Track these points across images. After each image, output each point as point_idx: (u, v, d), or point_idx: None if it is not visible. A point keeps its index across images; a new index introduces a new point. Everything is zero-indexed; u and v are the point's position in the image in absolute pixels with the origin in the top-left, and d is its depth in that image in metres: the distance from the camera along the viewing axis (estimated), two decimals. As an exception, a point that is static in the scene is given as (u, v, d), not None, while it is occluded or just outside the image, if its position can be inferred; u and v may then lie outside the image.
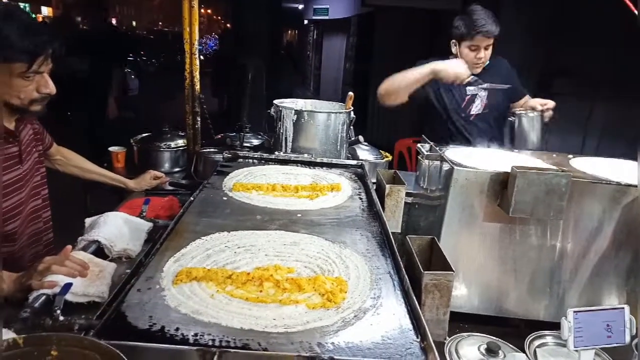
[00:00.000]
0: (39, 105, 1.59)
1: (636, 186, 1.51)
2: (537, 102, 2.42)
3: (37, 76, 1.53)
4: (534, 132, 2.31)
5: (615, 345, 1.30)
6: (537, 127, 2.32)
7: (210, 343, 0.85)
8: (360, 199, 1.69)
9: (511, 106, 2.65)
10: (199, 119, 2.62)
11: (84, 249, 1.51)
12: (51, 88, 1.57)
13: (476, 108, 2.60)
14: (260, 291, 1.03)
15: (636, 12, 1.61)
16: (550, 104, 2.40)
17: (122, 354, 0.65)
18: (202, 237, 1.28)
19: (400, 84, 2.39)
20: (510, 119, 2.37)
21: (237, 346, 0.85)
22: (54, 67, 1.59)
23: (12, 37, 1.43)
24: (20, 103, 1.55)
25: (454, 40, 2.50)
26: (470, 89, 2.57)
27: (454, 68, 2.29)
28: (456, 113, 2.60)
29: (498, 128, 2.67)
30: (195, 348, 0.81)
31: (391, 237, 1.31)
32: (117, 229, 1.64)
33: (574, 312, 1.27)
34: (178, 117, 3.04)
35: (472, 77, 2.35)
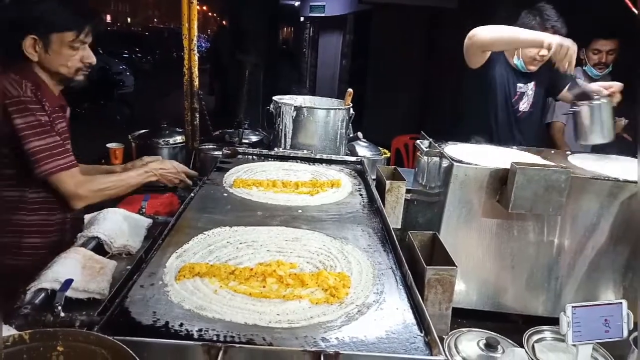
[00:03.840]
0: (82, 74, 1.76)
1: (634, 182, 1.52)
2: (601, 86, 2.08)
3: (82, 47, 1.71)
4: (604, 122, 1.98)
5: (613, 339, 1.31)
6: (606, 116, 1.98)
7: (214, 338, 0.85)
8: (361, 195, 1.70)
9: (563, 97, 2.52)
10: (198, 115, 2.61)
11: (84, 245, 1.51)
12: (92, 58, 1.75)
13: (523, 106, 2.57)
14: (264, 286, 1.03)
15: (636, 11, 1.62)
16: (617, 86, 2.07)
17: (129, 349, 0.65)
18: (204, 232, 1.28)
19: (507, 37, 2.23)
20: (574, 109, 2.03)
21: (241, 341, 0.85)
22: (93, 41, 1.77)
23: (64, 9, 1.66)
24: (68, 72, 1.72)
25: None
26: (520, 86, 2.54)
27: (570, 44, 1.99)
28: (504, 109, 2.55)
29: (537, 128, 2.68)
30: (200, 343, 0.81)
31: (392, 232, 1.32)
32: (117, 225, 1.63)
33: (573, 307, 1.28)
34: (174, 114, 3.03)
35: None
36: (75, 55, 1.70)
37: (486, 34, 2.29)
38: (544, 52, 2.36)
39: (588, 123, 1.99)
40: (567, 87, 2.43)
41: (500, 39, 2.28)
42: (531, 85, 2.56)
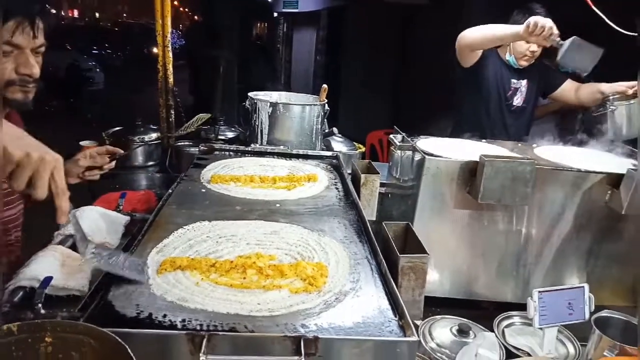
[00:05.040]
0: (18, 91, 1.33)
1: (595, 172, 1.60)
2: (624, 86, 2.24)
3: (17, 52, 1.28)
4: (635, 119, 2.10)
5: (576, 321, 1.39)
6: (636, 114, 2.11)
7: (198, 328, 0.88)
8: (337, 188, 1.74)
9: (561, 95, 2.68)
10: (173, 112, 2.61)
11: (61, 243, 1.51)
12: (31, 69, 1.31)
13: (517, 100, 2.70)
14: (244, 278, 1.06)
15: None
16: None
17: (117, 337, 0.68)
18: (184, 227, 1.30)
19: (488, 34, 2.38)
20: (611, 109, 2.16)
21: (224, 329, 0.88)
22: (46, 47, 1.34)
23: None
24: None
25: None
26: (514, 82, 2.66)
27: (537, 19, 2.15)
28: (498, 104, 2.67)
29: (529, 123, 2.79)
30: (184, 332, 0.83)
31: (368, 224, 1.36)
32: (94, 222, 1.63)
33: (539, 292, 1.35)
34: (147, 111, 3.01)
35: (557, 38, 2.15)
36: (5, 64, 1.26)
37: (470, 35, 2.45)
38: (533, 47, 2.49)
39: (624, 121, 2.13)
40: (573, 89, 2.62)
41: (483, 38, 2.43)
42: (524, 82, 2.68)
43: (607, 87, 2.33)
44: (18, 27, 1.25)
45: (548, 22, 2.13)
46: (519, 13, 2.54)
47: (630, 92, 2.20)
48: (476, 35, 2.44)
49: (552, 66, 2.76)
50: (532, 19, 2.14)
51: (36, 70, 1.33)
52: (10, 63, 1.28)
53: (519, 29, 2.22)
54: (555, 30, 2.15)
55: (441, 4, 6.11)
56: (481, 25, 2.43)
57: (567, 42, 2.10)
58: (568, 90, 2.68)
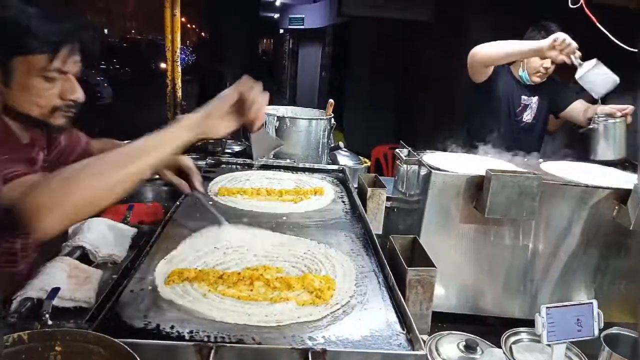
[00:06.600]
0: (62, 116, 1.30)
1: (602, 188, 1.60)
2: (615, 108, 2.27)
3: (62, 78, 1.25)
4: (617, 140, 2.14)
5: (585, 338, 1.37)
6: (619, 135, 2.15)
7: (205, 339, 0.88)
8: (343, 202, 1.74)
9: (570, 115, 2.66)
10: (181, 126, 2.63)
11: (69, 254, 1.51)
12: (78, 93, 1.29)
13: (527, 117, 2.70)
14: (251, 290, 1.06)
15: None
16: (630, 109, 2.25)
17: (127, 347, 0.68)
18: (193, 234, 1.31)
19: (507, 50, 2.39)
20: (593, 126, 2.20)
21: (232, 341, 0.88)
22: (81, 70, 1.31)
23: (30, 21, 1.14)
24: (40, 113, 1.24)
25: None
26: (525, 98, 2.67)
27: (563, 34, 2.21)
28: (508, 119, 2.67)
29: (540, 140, 2.79)
30: (192, 343, 0.83)
31: (374, 237, 1.36)
32: (102, 234, 1.64)
33: (547, 308, 1.34)
34: (154, 125, 3.02)
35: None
36: (50, 90, 1.23)
37: (486, 51, 2.44)
38: (547, 64, 2.49)
39: (603, 141, 2.14)
40: (582, 109, 2.59)
41: (502, 54, 2.42)
42: (534, 99, 2.69)
43: (600, 108, 2.34)
44: (70, 55, 1.24)
45: (570, 40, 2.17)
46: (534, 30, 2.55)
47: (619, 114, 2.21)
48: (494, 51, 2.43)
49: (563, 84, 2.77)
50: (559, 34, 2.18)
51: (81, 95, 1.30)
52: (55, 89, 1.25)
53: (541, 43, 2.25)
54: (577, 49, 2.17)
55: (444, 21, 6.17)
56: (497, 41, 2.44)
57: (588, 63, 2.11)
58: (577, 110, 2.65)
